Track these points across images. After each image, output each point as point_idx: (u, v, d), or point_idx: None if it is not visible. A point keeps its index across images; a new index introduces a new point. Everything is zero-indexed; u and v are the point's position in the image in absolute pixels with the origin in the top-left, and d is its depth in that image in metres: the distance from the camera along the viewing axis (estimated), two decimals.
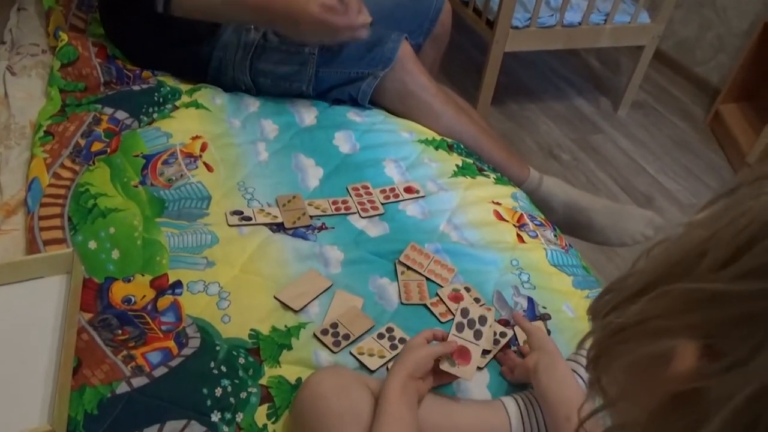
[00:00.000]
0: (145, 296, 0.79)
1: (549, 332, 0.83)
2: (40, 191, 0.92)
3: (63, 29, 1.25)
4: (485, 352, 0.76)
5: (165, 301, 0.79)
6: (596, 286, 0.94)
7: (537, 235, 0.99)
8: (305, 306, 0.81)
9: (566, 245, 1.01)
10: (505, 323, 0.84)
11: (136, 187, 0.96)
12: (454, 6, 1.60)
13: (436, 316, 0.83)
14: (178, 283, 0.81)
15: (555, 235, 1.02)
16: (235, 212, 0.94)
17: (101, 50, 1.23)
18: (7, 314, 0.76)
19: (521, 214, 1.03)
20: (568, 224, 1.23)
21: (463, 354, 0.69)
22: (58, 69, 1.15)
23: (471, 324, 0.71)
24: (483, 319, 0.71)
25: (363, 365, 0.75)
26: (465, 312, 0.72)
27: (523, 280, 0.90)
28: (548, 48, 2.02)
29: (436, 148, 1.14)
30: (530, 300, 0.87)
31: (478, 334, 0.70)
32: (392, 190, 1.03)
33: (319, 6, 1.05)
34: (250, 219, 0.93)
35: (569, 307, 0.87)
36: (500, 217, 1.01)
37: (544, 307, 0.86)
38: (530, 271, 0.91)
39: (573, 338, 0.82)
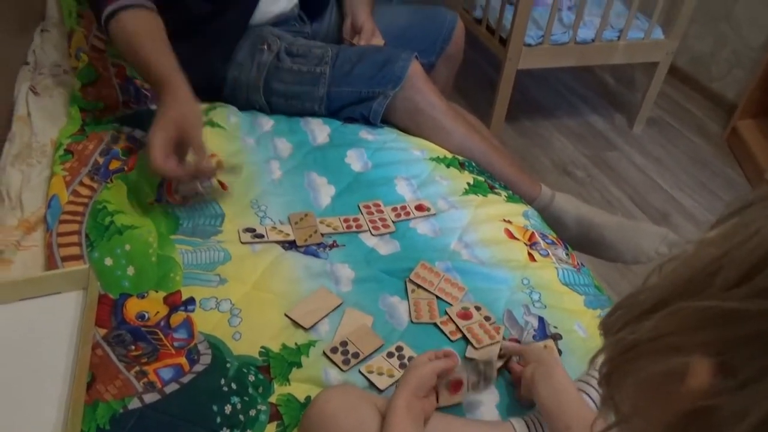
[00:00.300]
0: (158, 312, 0.81)
1: (560, 352, 0.82)
2: (59, 208, 0.94)
3: (84, 50, 1.29)
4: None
5: (178, 318, 0.80)
6: (609, 305, 0.93)
7: (548, 254, 0.99)
8: (315, 324, 0.82)
9: (578, 264, 1.00)
10: (515, 342, 0.83)
11: (152, 204, 0.98)
12: (466, 24, 1.61)
13: (446, 335, 0.83)
14: (191, 300, 0.82)
15: (567, 254, 1.02)
16: (248, 229, 0.95)
17: (120, 71, 1.26)
18: (24, 328, 0.77)
19: (532, 232, 1.02)
20: (581, 241, 1.22)
21: (455, 385, 0.69)
22: (78, 89, 1.18)
23: (487, 379, 0.71)
24: (490, 366, 0.71)
25: (372, 384, 0.75)
26: (476, 368, 0.70)
27: (534, 299, 0.90)
28: (561, 65, 2.03)
29: (448, 166, 1.15)
30: (541, 319, 0.87)
31: (487, 381, 0.71)
32: (403, 208, 1.03)
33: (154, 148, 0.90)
34: (262, 236, 0.94)
35: (581, 326, 0.87)
36: (511, 236, 1.01)
37: (555, 327, 0.86)
38: (541, 290, 0.91)
39: (584, 358, 0.81)
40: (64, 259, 0.87)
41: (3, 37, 1.24)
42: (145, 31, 1.01)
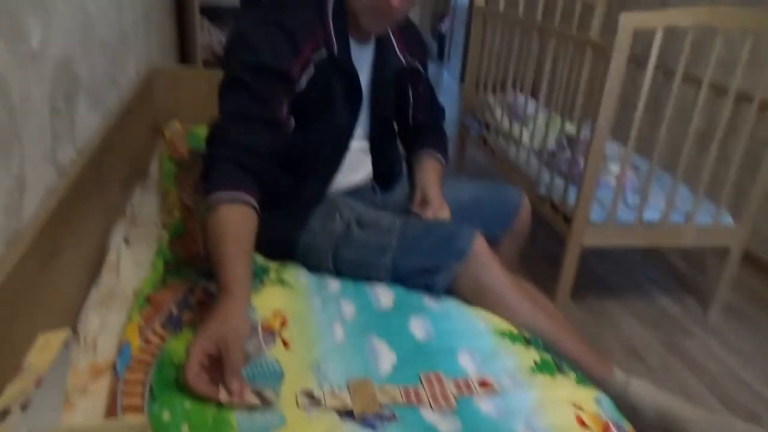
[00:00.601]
0: None
1: None
2: (130, 356, 0.96)
3: (177, 208, 1.41)
4: None
5: None
6: None
7: None
8: None
9: None
10: None
11: None
12: (531, 200, 1.67)
13: None
14: None
15: None
16: (306, 393, 0.93)
17: None
18: None
19: (607, 422, 0.95)
20: None
21: None
22: (167, 242, 1.27)
23: None
24: None
25: None
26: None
27: None
28: (628, 245, 2.02)
29: (513, 342, 1.12)
30: None
31: None
32: (466, 383, 0.99)
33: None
34: (319, 403, 0.92)
35: None
36: (583, 424, 0.93)
37: None
38: None
39: None
40: (126, 408, 0.87)
41: (110, 193, 1.38)
42: (233, 232, 1.04)
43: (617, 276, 2.34)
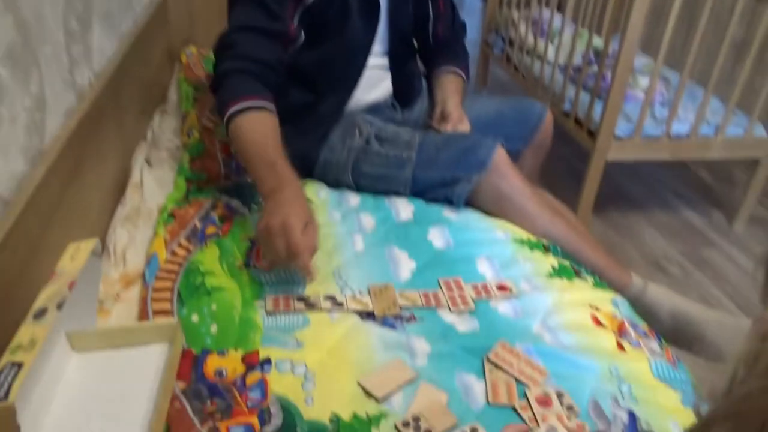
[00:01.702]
0: (235, 370, 0.82)
1: None
2: (158, 266, 1.00)
3: (196, 129, 1.42)
4: None
5: (253, 378, 0.81)
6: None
7: (640, 345, 0.92)
8: (388, 395, 0.79)
9: (674, 358, 0.93)
10: None
11: (240, 268, 1.02)
12: (554, 116, 1.63)
13: (524, 420, 0.78)
14: (268, 361, 0.83)
15: (661, 347, 0.95)
16: (328, 297, 0.96)
17: (225, 147, 1.38)
18: (112, 375, 0.81)
19: (622, 321, 0.97)
20: (676, 336, 1.14)
21: None
22: (187, 161, 1.29)
23: None
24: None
25: None
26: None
27: (623, 391, 0.83)
28: (653, 158, 1.98)
29: (532, 249, 1.13)
30: (631, 414, 0.80)
31: None
32: (484, 287, 1.02)
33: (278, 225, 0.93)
34: (341, 305, 0.95)
35: (677, 426, 0.79)
36: (598, 323, 0.95)
37: (648, 424, 0.79)
38: (631, 382, 0.85)
39: None
40: (156, 313, 0.92)
41: (128, 117, 1.39)
42: (262, 137, 1.07)
43: (641, 190, 2.31)
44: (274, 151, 1.06)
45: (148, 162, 1.35)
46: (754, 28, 1.83)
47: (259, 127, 1.08)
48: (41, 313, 0.67)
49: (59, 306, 0.67)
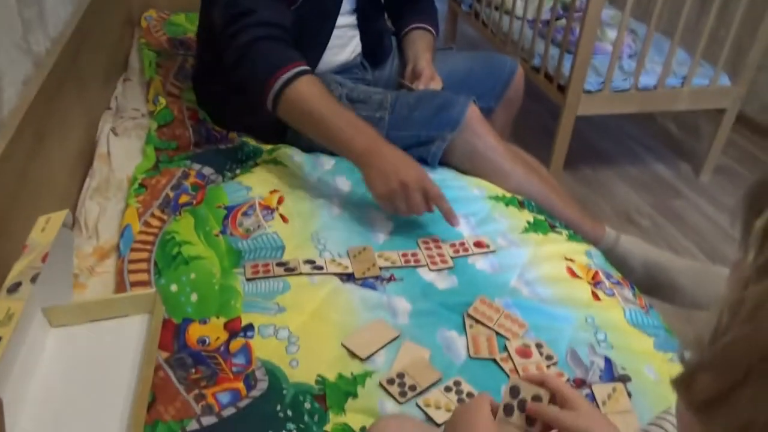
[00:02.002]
0: (218, 338, 0.82)
1: (630, 395, 0.78)
2: (132, 237, 0.99)
3: (162, 96, 1.38)
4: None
5: (237, 344, 0.81)
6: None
7: (614, 293, 0.95)
8: (372, 355, 0.81)
9: (646, 305, 0.96)
10: (580, 383, 0.79)
11: (217, 236, 1.01)
12: (525, 72, 1.63)
13: (505, 372, 0.80)
14: (250, 326, 0.83)
15: (634, 295, 0.97)
16: (308, 261, 0.96)
17: (193, 114, 1.34)
18: (93, 348, 0.80)
19: (596, 271, 0.99)
20: (649, 285, 1.17)
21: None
22: (155, 130, 1.26)
23: (521, 406, 0.58)
24: (537, 399, 0.59)
25: (429, 418, 0.73)
26: (515, 391, 0.59)
27: (599, 339, 0.86)
28: (622, 111, 2.00)
29: (507, 205, 1.14)
30: (607, 360, 0.83)
31: (530, 420, 0.58)
32: (462, 244, 1.03)
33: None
34: (321, 268, 0.95)
35: (651, 369, 0.82)
36: (574, 274, 0.98)
37: (623, 368, 0.82)
38: (607, 330, 0.87)
39: (655, 403, 0.77)
40: (133, 284, 0.91)
41: (90, 86, 1.34)
42: (329, 101, 1.06)
43: (611, 145, 2.34)
44: (346, 109, 1.07)
45: (113, 132, 1.31)
46: None
47: (319, 90, 1.06)
48: (15, 287, 0.66)
49: (33, 279, 0.65)
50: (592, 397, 0.77)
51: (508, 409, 0.59)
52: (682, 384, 0.31)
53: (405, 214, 1.03)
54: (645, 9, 2.30)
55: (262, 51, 1.08)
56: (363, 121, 1.06)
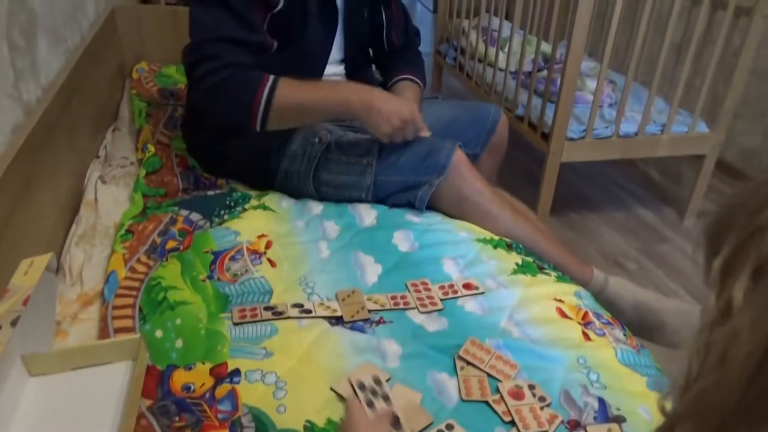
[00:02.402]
0: (204, 384, 0.80)
1: None
2: (117, 283, 0.97)
3: (151, 143, 1.39)
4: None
5: (223, 390, 0.79)
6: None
7: (605, 333, 0.94)
8: None
9: (637, 345, 0.95)
10: (575, 425, 0.78)
11: (204, 281, 1.00)
12: (509, 121, 1.66)
13: (498, 415, 0.78)
14: (237, 372, 0.81)
15: (624, 335, 0.97)
16: (296, 305, 0.95)
17: (182, 161, 1.35)
18: (74, 396, 0.78)
19: (586, 311, 0.99)
20: (639, 327, 1.17)
21: None
22: (143, 176, 1.26)
23: (374, 393, 0.66)
24: (378, 382, 0.66)
25: None
26: (361, 386, 0.69)
27: (592, 380, 0.85)
28: (605, 158, 2.04)
29: (495, 247, 1.14)
30: (601, 401, 0.81)
31: (387, 398, 0.64)
32: (451, 286, 1.02)
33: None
34: (309, 311, 0.94)
35: (645, 410, 0.81)
36: (564, 315, 0.97)
37: (618, 409, 0.80)
38: (599, 370, 0.86)
39: None
40: (117, 330, 0.89)
41: (80, 135, 1.35)
42: (303, 86, 1.17)
43: (595, 191, 2.38)
44: (325, 82, 1.21)
45: (102, 180, 1.31)
46: (691, 29, 1.92)
47: (295, 84, 1.16)
48: None
49: (13, 323, 0.64)
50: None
51: (370, 404, 0.63)
52: None
53: (399, 141, 1.21)
54: (622, 60, 2.39)
55: (236, 80, 1.14)
56: (343, 80, 1.22)
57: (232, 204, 1.23)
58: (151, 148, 1.32)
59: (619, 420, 0.78)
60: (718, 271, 0.30)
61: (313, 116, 1.23)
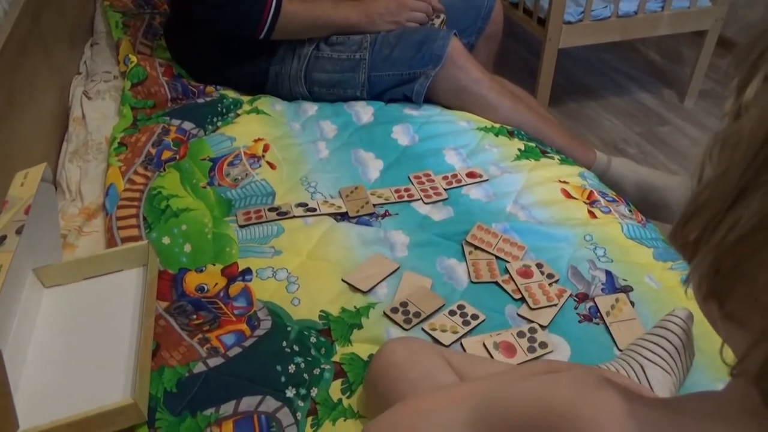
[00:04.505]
0: (217, 284, 0.81)
1: (633, 304, 0.78)
2: (117, 195, 0.96)
3: (132, 54, 1.33)
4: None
5: (236, 288, 0.80)
6: (679, 258, 0.88)
7: (610, 211, 0.94)
8: (373, 287, 0.80)
9: (642, 219, 0.96)
10: (583, 297, 0.79)
11: (205, 188, 0.99)
12: (503, 9, 1.59)
13: (509, 293, 0.80)
14: (248, 270, 0.82)
15: (630, 210, 0.97)
16: (300, 204, 0.95)
17: (167, 70, 1.30)
18: (91, 304, 0.79)
19: (591, 191, 0.99)
20: (643, 205, 1.17)
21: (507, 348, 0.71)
22: (129, 89, 1.22)
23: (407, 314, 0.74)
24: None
25: (436, 340, 0.73)
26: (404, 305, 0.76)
27: (598, 255, 0.86)
28: (604, 41, 1.97)
29: (497, 135, 1.12)
30: (609, 273, 0.83)
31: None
32: (454, 176, 1.01)
33: None
34: (314, 210, 0.94)
35: (652, 278, 0.82)
36: (569, 195, 0.97)
37: (625, 279, 0.82)
38: (606, 245, 0.87)
39: (658, 309, 0.77)
40: (124, 240, 0.89)
41: (55, 49, 1.29)
42: (310, 7, 1.18)
43: (594, 78, 2.32)
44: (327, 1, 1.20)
45: (86, 95, 1.26)
46: None
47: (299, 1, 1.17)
48: (1, 240, 0.63)
49: (18, 231, 0.63)
50: (596, 310, 0.77)
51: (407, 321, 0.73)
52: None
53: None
54: None
55: (239, 5, 1.11)
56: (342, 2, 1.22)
57: (224, 110, 1.20)
58: (133, 59, 1.26)
59: (626, 290, 0.80)
60: (734, 88, 0.30)
61: (315, 33, 1.23)
